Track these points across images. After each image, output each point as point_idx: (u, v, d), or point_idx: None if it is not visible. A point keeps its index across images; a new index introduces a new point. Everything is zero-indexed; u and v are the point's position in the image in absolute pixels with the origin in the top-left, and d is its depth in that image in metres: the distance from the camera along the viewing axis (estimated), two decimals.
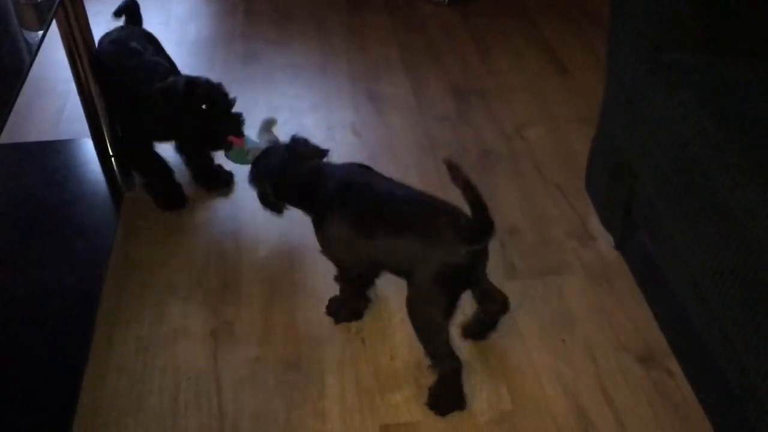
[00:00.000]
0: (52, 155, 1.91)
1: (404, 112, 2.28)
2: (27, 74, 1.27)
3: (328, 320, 1.58)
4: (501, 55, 2.56)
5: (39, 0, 1.51)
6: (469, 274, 1.32)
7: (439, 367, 1.36)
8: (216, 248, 1.78)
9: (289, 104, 2.31)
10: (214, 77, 1.76)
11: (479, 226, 1.26)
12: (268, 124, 1.62)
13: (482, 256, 1.35)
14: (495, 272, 1.69)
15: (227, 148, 1.69)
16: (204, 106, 1.63)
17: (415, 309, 1.35)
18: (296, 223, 1.68)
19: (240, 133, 1.68)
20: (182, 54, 2.50)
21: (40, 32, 1.44)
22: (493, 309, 1.48)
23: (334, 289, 1.59)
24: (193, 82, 1.64)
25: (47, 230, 1.71)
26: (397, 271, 1.38)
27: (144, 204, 1.89)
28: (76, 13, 1.64)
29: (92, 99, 1.78)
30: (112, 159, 1.87)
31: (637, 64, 1.48)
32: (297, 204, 1.50)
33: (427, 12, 2.82)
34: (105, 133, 1.84)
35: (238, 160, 1.71)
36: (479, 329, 1.52)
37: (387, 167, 1.93)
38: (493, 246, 1.78)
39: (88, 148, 1.89)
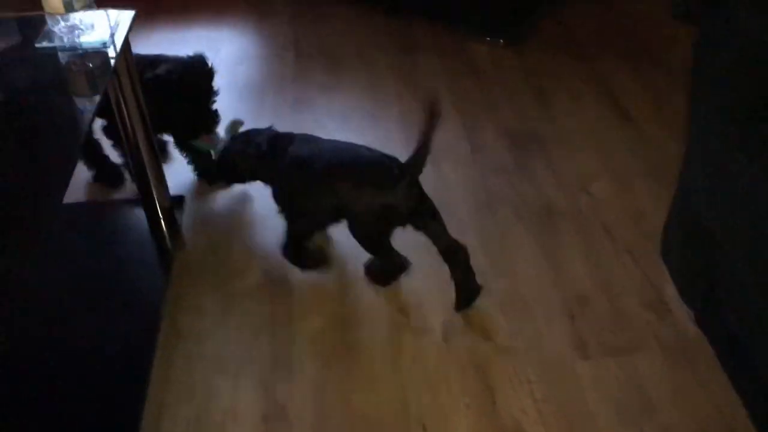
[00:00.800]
0: (100, 216, 1.86)
1: (459, 162, 2.18)
2: (81, 146, 1.22)
3: (387, 402, 1.49)
4: (560, 100, 2.45)
5: (92, 66, 1.46)
6: (402, 214, 1.57)
7: (384, 263, 1.71)
8: (266, 317, 1.70)
9: None
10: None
11: (414, 162, 1.56)
12: (235, 125, 1.88)
13: (414, 196, 1.58)
14: (564, 349, 1.58)
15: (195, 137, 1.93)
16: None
17: (356, 236, 1.64)
18: (351, 290, 1.62)
19: (212, 131, 1.93)
20: (232, 99, 2.44)
21: (94, 99, 1.39)
22: (457, 260, 1.63)
23: (393, 367, 1.50)
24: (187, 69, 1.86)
25: (93, 298, 1.65)
26: (338, 211, 1.63)
27: (194, 266, 1.82)
28: (129, 73, 1.58)
29: (142, 160, 1.72)
30: (162, 221, 1.81)
31: (725, 132, 1.37)
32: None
33: (481, 53, 2.72)
34: (154, 195, 1.78)
35: (202, 147, 1.95)
36: (462, 296, 1.66)
37: None
38: (562, 318, 1.69)
39: (137, 209, 1.83)
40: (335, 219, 1.68)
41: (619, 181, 2.09)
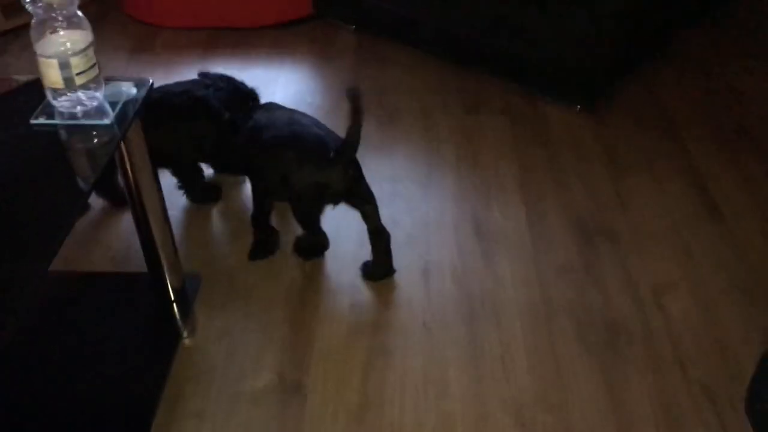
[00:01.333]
0: (104, 288, 1.69)
1: (517, 257, 1.91)
2: (71, 227, 1.05)
3: None
4: (639, 184, 2.15)
5: (95, 143, 1.29)
6: (337, 193, 1.71)
7: (309, 236, 1.88)
8: (274, 430, 1.49)
9: None
10: None
11: (344, 147, 1.66)
12: None
13: (349, 178, 1.70)
14: None
15: None
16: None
17: (293, 210, 1.79)
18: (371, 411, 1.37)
19: None
20: None
21: (91, 179, 1.21)
22: (380, 241, 1.83)
23: None
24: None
25: (85, 376, 1.47)
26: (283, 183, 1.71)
27: (200, 358, 1.63)
28: (137, 145, 1.40)
29: (150, 232, 1.54)
30: (172, 303, 1.63)
31: None
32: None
33: (553, 118, 2.44)
34: (164, 270, 1.60)
35: None
36: (375, 271, 1.87)
37: (487, 331, 1.72)
38: None
39: (143, 285, 1.66)
40: (283, 192, 1.76)
41: (700, 295, 1.79)
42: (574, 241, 1.96)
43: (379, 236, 1.82)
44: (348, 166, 1.68)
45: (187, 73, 2.74)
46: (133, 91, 1.33)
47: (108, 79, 1.34)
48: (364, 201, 1.76)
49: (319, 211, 1.76)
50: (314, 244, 1.92)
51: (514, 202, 2.10)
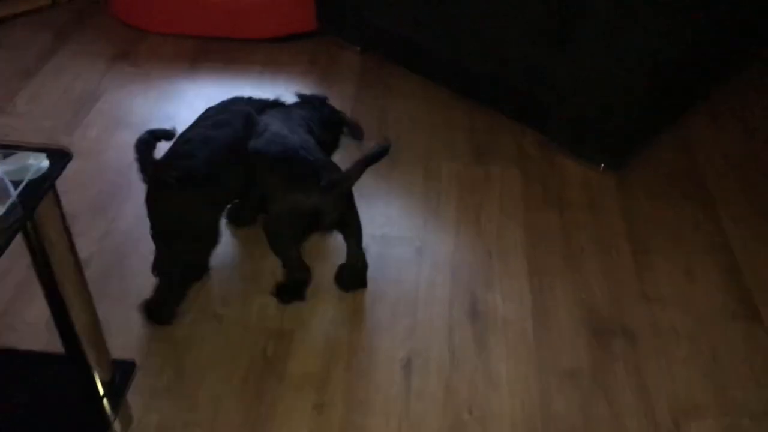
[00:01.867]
0: (22, 369, 1.44)
1: (515, 352, 1.64)
2: None
3: None
4: (664, 267, 1.86)
5: None
6: (317, 220, 1.60)
7: (288, 272, 1.73)
8: None
9: (365, 313, 1.74)
10: None
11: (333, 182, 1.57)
12: None
13: (330, 206, 1.59)
14: None
15: None
16: None
17: (267, 232, 1.67)
18: None
19: None
20: None
21: None
22: (354, 270, 1.77)
23: None
24: None
25: None
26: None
27: None
28: (51, 224, 1.14)
29: (66, 312, 1.27)
30: (101, 395, 1.37)
31: None
32: None
33: (572, 176, 2.15)
34: (88, 358, 1.34)
35: None
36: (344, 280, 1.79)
37: None
38: None
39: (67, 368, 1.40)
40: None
41: (728, 425, 1.51)
42: (583, 338, 1.68)
43: (354, 266, 1.77)
44: (339, 197, 1.60)
45: (168, 90, 2.50)
46: (45, 165, 1.06)
47: (11, 148, 1.07)
48: (350, 233, 1.71)
49: (295, 238, 1.64)
50: (294, 282, 1.74)
51: (518, 279, 1.82)
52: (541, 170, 2.17)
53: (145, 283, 1.72)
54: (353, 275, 1.77)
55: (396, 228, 1.96)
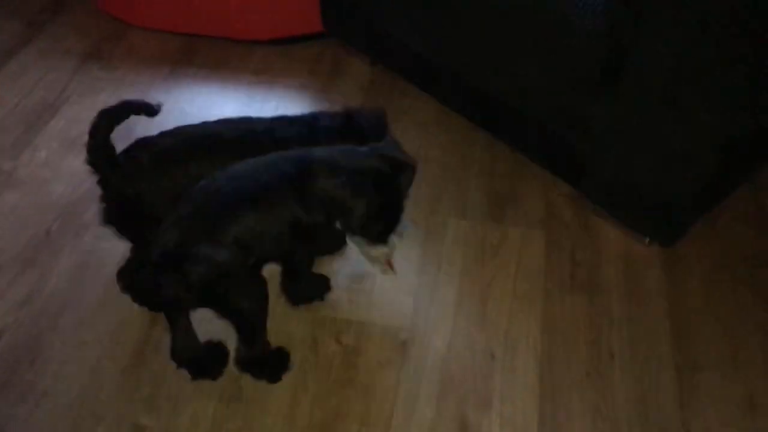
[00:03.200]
0: None
1: None
2: None
3: None
4: (718, 394, 1.43)
5: None
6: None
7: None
8: None
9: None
10: None
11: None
12: None
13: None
14: None
15: None
16: None
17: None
18: None
19: None
20: None
21: None
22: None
23: None
24: None
25: None
26: None
27: None
28: None
29: None
30: None
31: None
32: None
33: (608, 246, 1.72)
34: None
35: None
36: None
37: None
38: None
39: None
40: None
41: None
42: None
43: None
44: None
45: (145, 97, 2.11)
46: None
47: None
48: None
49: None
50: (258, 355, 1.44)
51: (524, 399, 1.43)
52: (572, 236, 1.75)
53: (56, 381, 1.39)
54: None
55: (377, 311, 1.57)
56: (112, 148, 1.35)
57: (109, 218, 1.41)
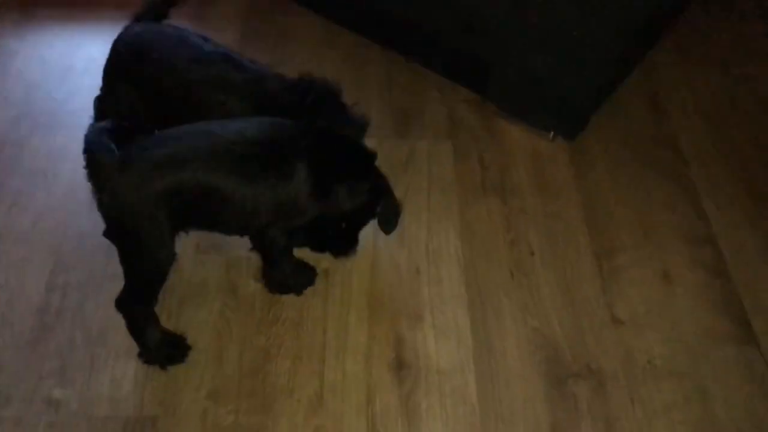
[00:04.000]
0: None
1: (455, 420, 1.26)
2: None
3: None
4: (636, 273, 1.48)
5: None
6: None
7: None
8: None
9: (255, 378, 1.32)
10: None
11: None
12: None
13: None
14: None
15: None
16: None
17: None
18: None
19: None
20: None
21: None
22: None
23: None
24: None
25: None
26: None
27: None
28: None
29: None
30: None
31: None
32: None
33: (515, 146, 1.71)
34: None
35: None
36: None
37: None
38: None
39: None
40: None
41: None
42: (540, 390, 1.30)
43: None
44: None
45: None
46: None
47: None
48: None
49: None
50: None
51: (454, 306, 1.41)
52: (478, 141, 1.72)
53: None
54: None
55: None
56: None
57: None
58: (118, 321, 1.32)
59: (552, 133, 1.70)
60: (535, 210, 1.59)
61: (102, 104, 1.43)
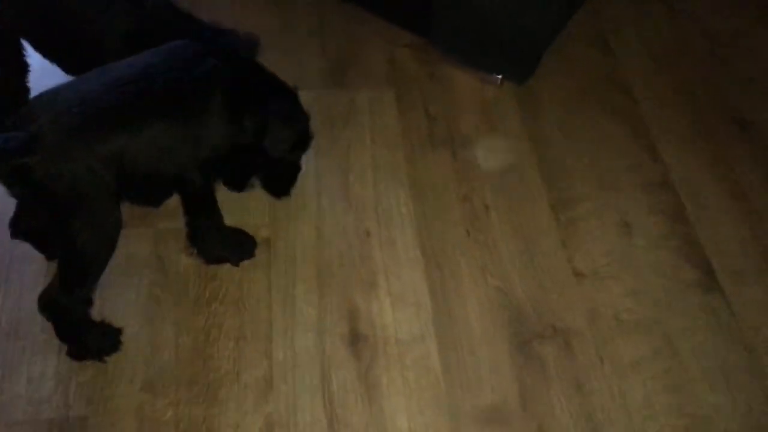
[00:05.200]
0: None
1: (418, 393, 1.17)
2: None
3: None
4: (594, 224, 1.41)
5: None
6: None
7: None
8: None
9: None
10: None
11: None
12: None
13: None
14: None
15: None
16: None
17: None
18: None
19: None
20: None
21: None
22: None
23: None
24: None
25: None
26: None
27: None
28: None
29: None
30: None
31: None
32: None
33: (462, 94, 1.59)
34: None
35: None
36: None
37: None
38: None
39: None
40: None
41: None
42: (505, 354, 1.22)
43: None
44: None
45: None
46: None
47: None
48: None
49: None
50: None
51: (410, 269, 1.31)
52: (423, 89, 1.60)
53: None
54: None
55: (228, 212, 1.35)
56: None
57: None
58: (31, 311, 1.16)
59: (500, 78, 1.59)
60: (487, 162, 1.49)
61: None
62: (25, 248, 1.25)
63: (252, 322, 1.22)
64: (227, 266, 1.28)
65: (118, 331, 1.18)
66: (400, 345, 1.22)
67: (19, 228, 1.19)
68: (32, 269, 1.25)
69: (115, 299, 1.23)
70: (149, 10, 1.19)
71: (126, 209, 1.26)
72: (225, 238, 1.27)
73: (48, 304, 1.09)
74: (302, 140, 1.25)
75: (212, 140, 1.11)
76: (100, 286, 1.21)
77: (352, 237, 1.35)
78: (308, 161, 1.38)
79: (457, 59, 1.61)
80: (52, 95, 1.02)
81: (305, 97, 1.35)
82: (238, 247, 1.29)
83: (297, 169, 1.31)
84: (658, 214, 1.43)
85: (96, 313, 1.18)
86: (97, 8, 1.17)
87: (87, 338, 1.13)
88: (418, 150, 1.50)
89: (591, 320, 1.27)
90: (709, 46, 1.74)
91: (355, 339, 1.22)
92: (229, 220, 1.30)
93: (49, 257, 1.23)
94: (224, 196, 1.36)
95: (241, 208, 1.35)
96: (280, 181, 1.30)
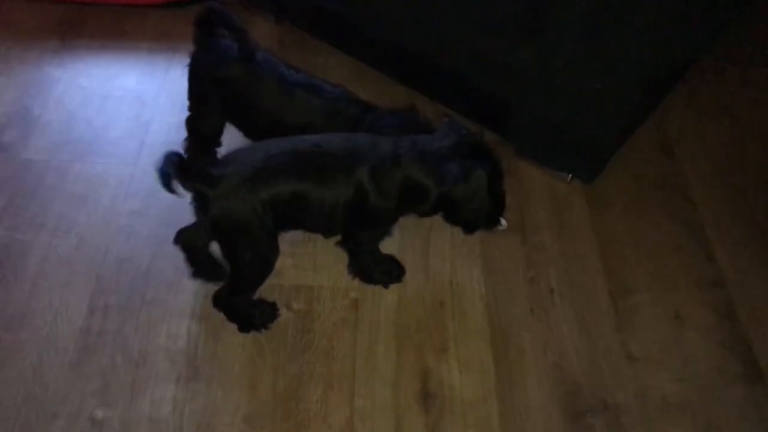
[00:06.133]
0: None
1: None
2: None
3: None
4: (649, 312, 1.55)
5: None
6: None
7: None
8: None
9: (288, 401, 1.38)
10: None
11: None
12: None
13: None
14: None
15: None
16: None
17: None
18: None
19: None
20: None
21: None
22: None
23: None
24: None
25: None
26: None
27: None
28: None
29: None
30: None
31: None
32: None
33: (535, 187, 1.79)
34: None
35: None
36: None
37: None
38: None
39: None
40: None
41: None
42: (559, 423, 1.37)
43: None
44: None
45: (31, 79, 1.96)
46: None
47: None
48: None
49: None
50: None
51: (477, 338, 1.48)
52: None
53: None
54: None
55: (324, 274, 1.57)
56: None
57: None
58: (157, 345, 1.39)
59: (570, 175, 1.78)
60: (554, 249, 1.67)
61: (191, 124, 1.68)
62: (155, 293, 1.50)
63: (338, 373, 1.41)
64: (320, 321, 1.49)
65: (274, 305, 1.47)
66: (465, 405, 1.38)
67: (182, 237, 1.44)
68: (158, 311, 1.48)
69: (226, 341, 1.44)
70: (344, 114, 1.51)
71: None
72: (377, 262, 1.53)
73: (219, 301, 1.41)
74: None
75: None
76: (213, 327, 1.44)
77: (428, 306, 1.54)
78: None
79: (529, 156, 1.81)
80: (245, 151, 1.32)
81: None
82: (388, 272, 1.55)
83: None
84: (709, 309, 1.56)
85: (209, 349, 1.41)
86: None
87: (252, 316, 1.43)
88: (492, 233, 1.68)
89: (640, 399, 1.41)
90: (765, 152, 1.89)
91: (426, 396, 1.39)
92: (323, 281, 1.52)
93: (194, 274, 1.49)
94: (320, 261, 1.58)
95: (337, 272, 1.56)
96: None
